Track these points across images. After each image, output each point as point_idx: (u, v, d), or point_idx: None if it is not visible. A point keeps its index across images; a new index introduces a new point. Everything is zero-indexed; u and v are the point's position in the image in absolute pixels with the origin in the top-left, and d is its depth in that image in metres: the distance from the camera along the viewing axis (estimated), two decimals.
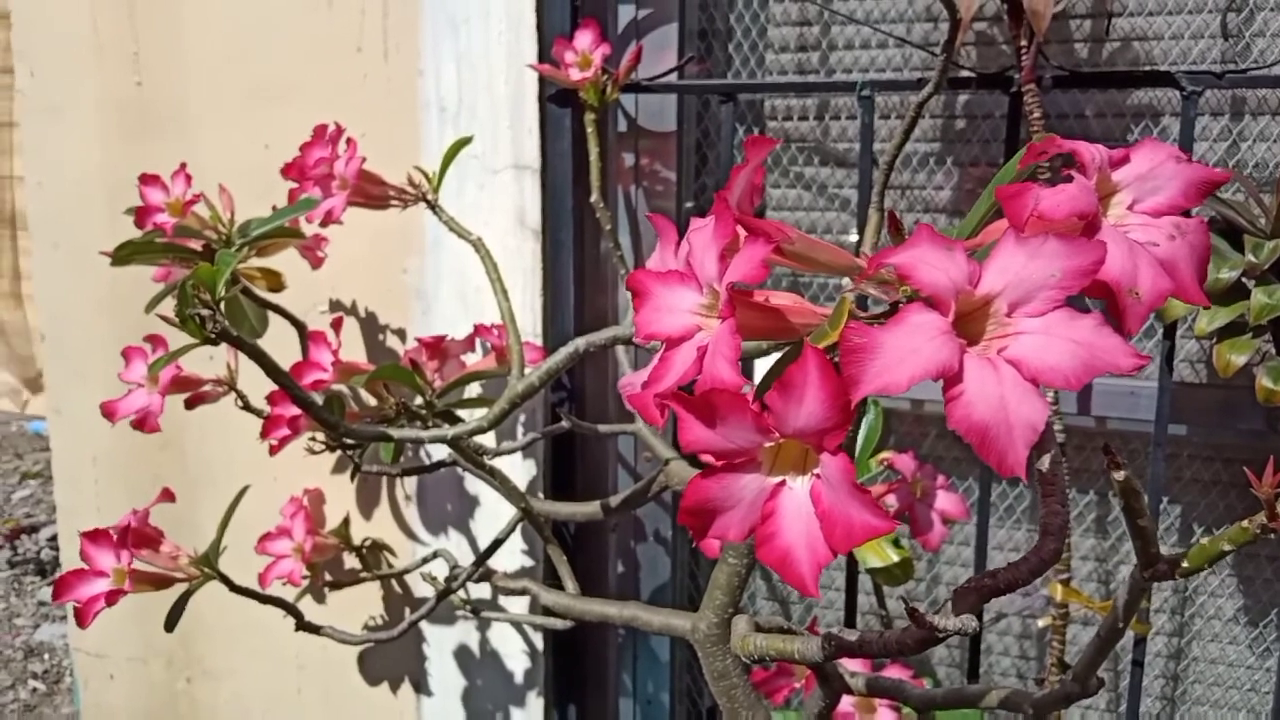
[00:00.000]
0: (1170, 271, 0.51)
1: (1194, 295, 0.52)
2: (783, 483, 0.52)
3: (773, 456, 0.53)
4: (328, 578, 1.62)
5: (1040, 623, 1.34)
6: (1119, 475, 0.61)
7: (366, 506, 1.69)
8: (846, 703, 1.21)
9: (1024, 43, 1.24)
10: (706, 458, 0.56)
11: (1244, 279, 1.21)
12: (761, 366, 1.42)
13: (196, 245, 1.28)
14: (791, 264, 0.63)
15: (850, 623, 1.47)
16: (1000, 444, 0.46)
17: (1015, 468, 0.46)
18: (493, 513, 1.61)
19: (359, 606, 1.70)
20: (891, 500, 1.19)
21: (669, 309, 0.60)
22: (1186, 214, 0.56)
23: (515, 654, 1.65)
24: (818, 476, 0.51)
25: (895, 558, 1.20)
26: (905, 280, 0.49)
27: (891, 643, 0.61)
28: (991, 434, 0.46)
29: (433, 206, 1.33)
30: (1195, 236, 0.52)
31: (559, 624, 1.40)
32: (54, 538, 3.58)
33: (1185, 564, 0.64)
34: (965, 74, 1.36)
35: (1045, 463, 0.54)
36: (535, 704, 1.65)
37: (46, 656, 3.04)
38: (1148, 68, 1.39)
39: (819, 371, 0.49)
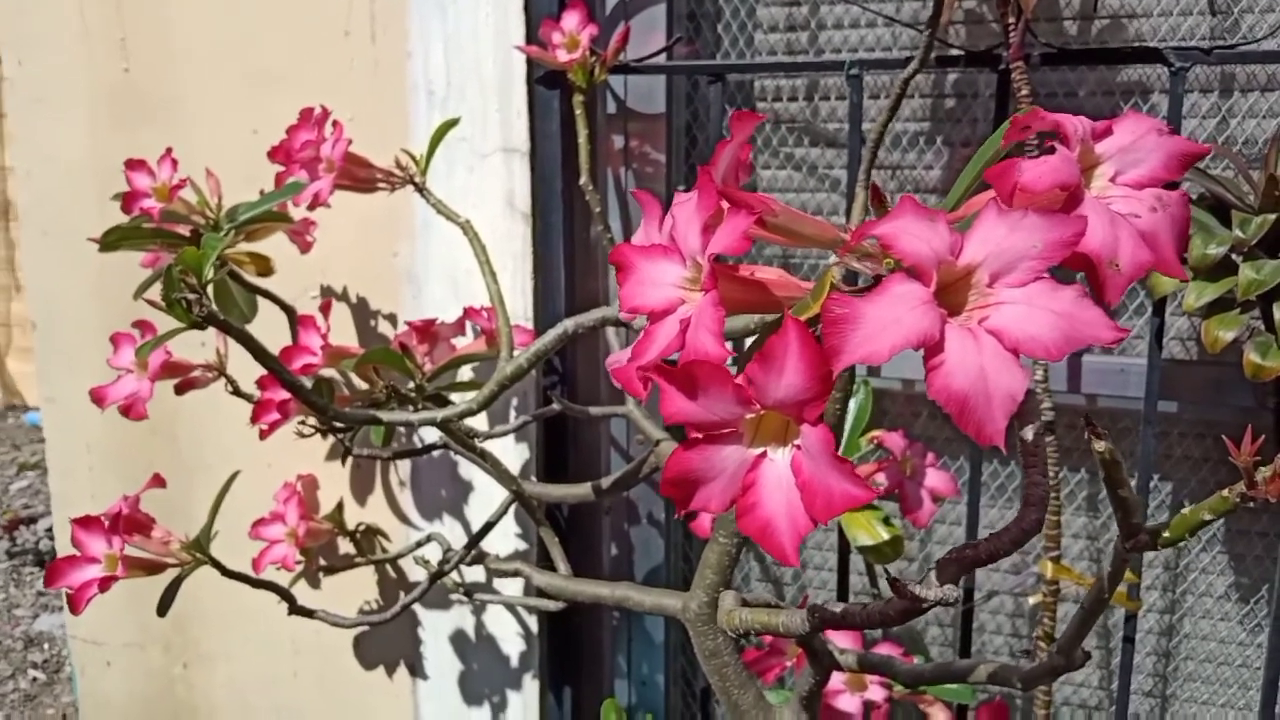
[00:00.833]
0: (1151, 244, 0.51)
1: (1174, 268, 0.52)
2: (764, 454, 0.52)
3: (754, 428, 0.53)
4: (322, 563, 1.62)
5: (1032, 600, 1.35)
6: (1099, 445, 0.61)
7: (360, 491, 1.69)
8: (837, 680, 1.21)
9: (1012, 20, 1.23)
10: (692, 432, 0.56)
11: (1232, 254, 1.21)
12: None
13: (184, 230, 1.27)
14: (775, 237, 0.63)
15: (843, 600, 1.48)
16: (979, 414, 0.46)
17: (994, 437, 0.46)
18: (486, 496, 1.61)
19: (353, 591, 1.70)
20: (881, 478, 1.19)
21: (653, 282, 0.60)
22: (1171, 186, 0.56)
23: (510, 637, 1.66)
24: (798, 448, 0.51)
25: (885, 536, 1.21)
26: (887, 250, 0.50)
27: (874, 614, 0.61)
28: (970, 403, 0.46)
29: (420, 189, 1.33)
30: (1176, 209, 0.52)
31: (551, 605, 1.40)
32: (52, 529, 3.58)
33: (1167, 534, 0.65)
34: (954, 52, 1.36)
35: (1028, 433, 0.55)
36: (531, 686, 1.66)
37: (46, 646, 3.05)
38: (1136, 44, 1.39)
39: (799, 342, 0.49)
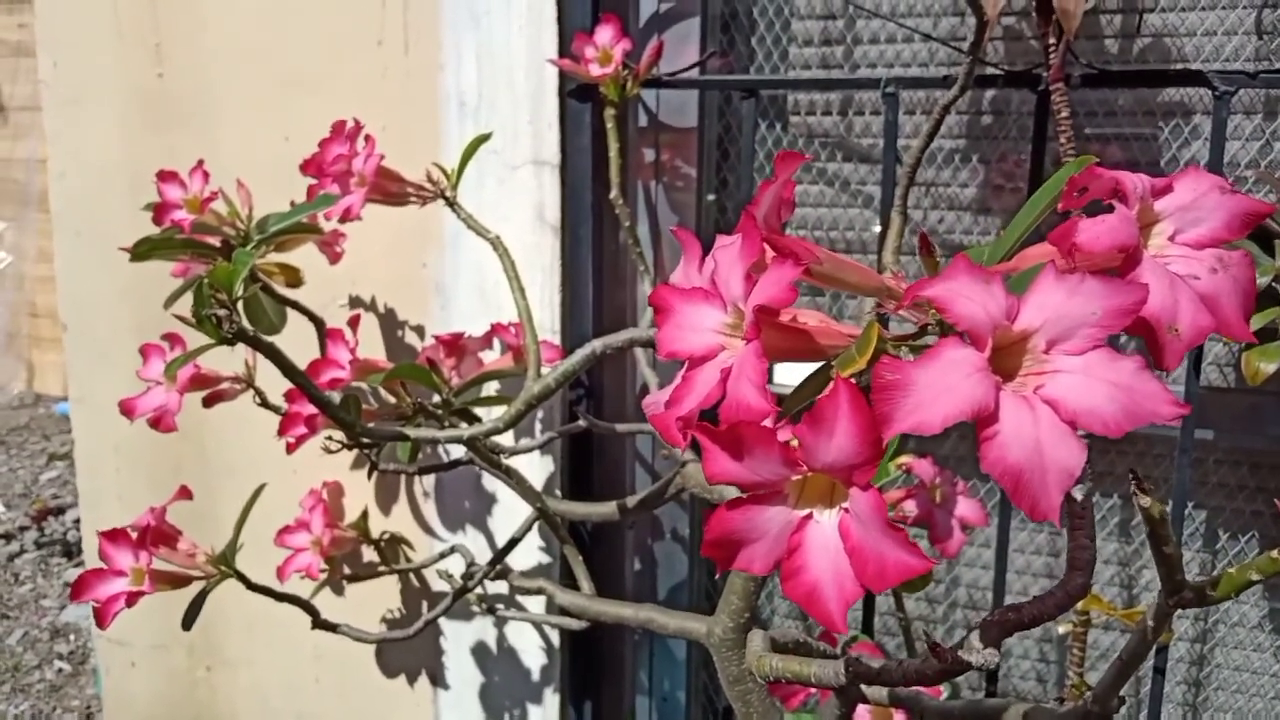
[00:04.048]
0: (1211, 306, 0.49)
1: (1238, 331, 0.50)
2: (809, 516, 0.51)
3: (799, 489, 0.52)
4: (346, 571, 1.62)
5: (1061, 629, 1.33)
6: (1145, 502, 0.60)
7: (385, 501, 1.69)
8: (862, 709, 1.20)
9: (1052, 41, 1.21)
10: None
11: (1274, 285, 1.18)
12: (781, 371, 1.40)
13: (215, 241, 1.27)
14: (820, 284, 0.62)
15: (868, 624, 1.46)
16: (1034, 489, 0.45)
17: (1048, 513, 0.45)
18: (510, 510, 1.60)
19: (376, 599, 1.70)
20: (910, 506, 1.18)
21: (692, 327, 0.59)
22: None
23: (532, 650, 1.65)
24: (846, 510, 0.50)
25: None
26: (942, 314, 0.48)
27: (911, 673, 0.60)
28: (1025, 478, 0.45)
29: (451, 204, 1.32)
30: (1239, 270, 0.50)
31: (574, 624, 1.40)
32: (80, 520, 3.61)
33: (1212, 593, 0.63)
34: (992, 71, 1.34)
35: (1078, 493, 0.53)
36: (552, 700, 1.65)
37: (72, 637, 3.07)
38: (1179, 66, 1.36)
39: (850, 405, 0.47)
